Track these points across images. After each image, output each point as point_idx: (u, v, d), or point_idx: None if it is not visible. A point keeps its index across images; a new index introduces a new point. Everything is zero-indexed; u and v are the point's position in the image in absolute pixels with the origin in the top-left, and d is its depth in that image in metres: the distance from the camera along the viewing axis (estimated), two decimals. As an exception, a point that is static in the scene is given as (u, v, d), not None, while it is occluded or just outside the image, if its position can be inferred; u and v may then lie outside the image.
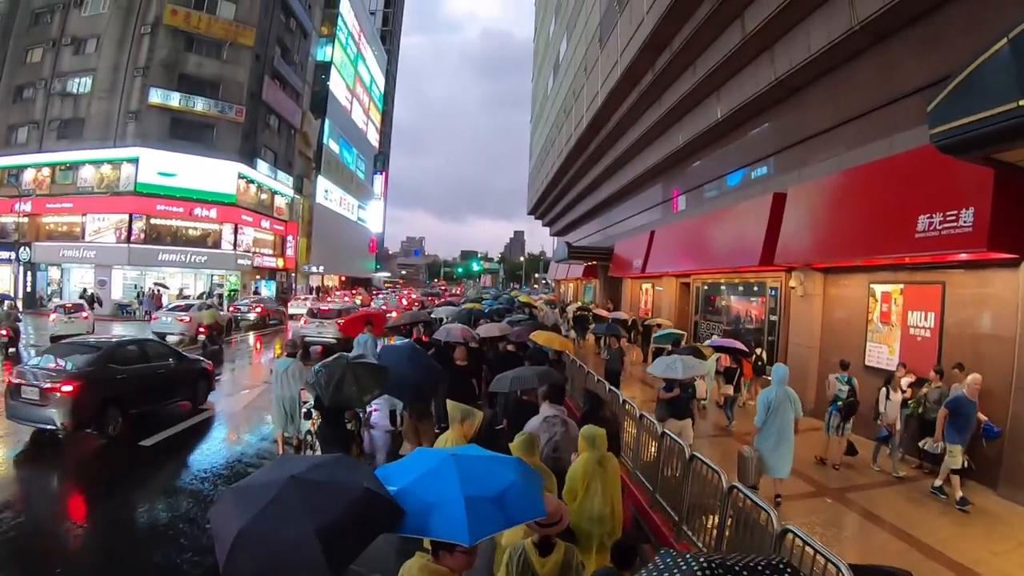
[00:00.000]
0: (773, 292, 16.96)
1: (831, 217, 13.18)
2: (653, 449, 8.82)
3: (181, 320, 24.00)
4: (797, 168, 15.70)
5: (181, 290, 40.41)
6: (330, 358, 8.58)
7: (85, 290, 36.47)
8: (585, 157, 34.84)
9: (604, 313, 26.36)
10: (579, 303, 36.39)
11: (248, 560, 2.73)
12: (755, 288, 18.15)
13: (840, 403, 10.67)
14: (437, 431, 9.00)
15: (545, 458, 5.89)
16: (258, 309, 34.49)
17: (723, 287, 20.35)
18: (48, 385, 10.28)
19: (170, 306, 27.08)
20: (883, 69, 12.53)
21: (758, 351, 15.97)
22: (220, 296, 39.99)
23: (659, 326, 20.89)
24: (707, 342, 16.65)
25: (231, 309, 34.07)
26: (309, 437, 10.01)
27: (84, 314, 24.58)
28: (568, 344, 14.53)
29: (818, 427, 11.54)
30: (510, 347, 13.58)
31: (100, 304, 34.57)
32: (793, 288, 15.20)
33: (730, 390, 13.89)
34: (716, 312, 20.88)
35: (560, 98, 42.80)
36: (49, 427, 10.34)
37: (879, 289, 12.85)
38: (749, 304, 18.63)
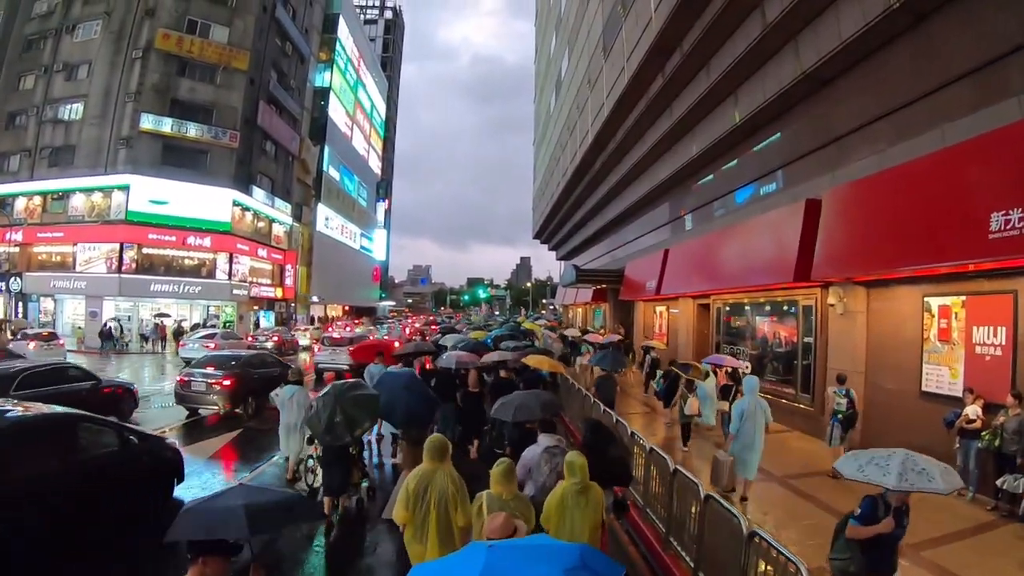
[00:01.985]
0: (807, 311, 15.21)
1: (877, 222, 11.50)
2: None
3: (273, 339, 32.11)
4: (829, 171, 14.13)
5: (179, 322, 38.88)
6: (324, 390, 8.85)
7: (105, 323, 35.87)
8: (591, 175, 33.41)
9: (598, 338, 25.68)
10: (577, 328, 36.02)
11: (188, 521, 4.09)
12: (785, 307, 16.39)
13: (840, 416, 11.31)
14: None
15: (548, 488, 5.91)
16: (275, 338, 34.63)
17: (747, 307, 18.59)
18: (212, 381, 15.65)
19: (198, 335, 30.53)
20: (926, 53, 11.10)
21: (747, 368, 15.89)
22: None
23: (652, 348, 21.88)
24: (703, 361, 15.70)
25: (250, 338, 34.24)
26: (311, 462, 10.27)
27: (60, 341, 27.11)
28: (558, 366, 15.20)
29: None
30: (503, 373, 13.67)
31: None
32: (832, 305, 13.55)
33: (726, 406, 13.00)
34: (739, 335, 19.10)
35: (563, 116, 41.60)
36: (212, 408, 15.74)
37: (935, 302, 11.22)
38: (778, 325, 16.86)
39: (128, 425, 10.05)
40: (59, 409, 8.15)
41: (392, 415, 9.59)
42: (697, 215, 22.81)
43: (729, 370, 14.72)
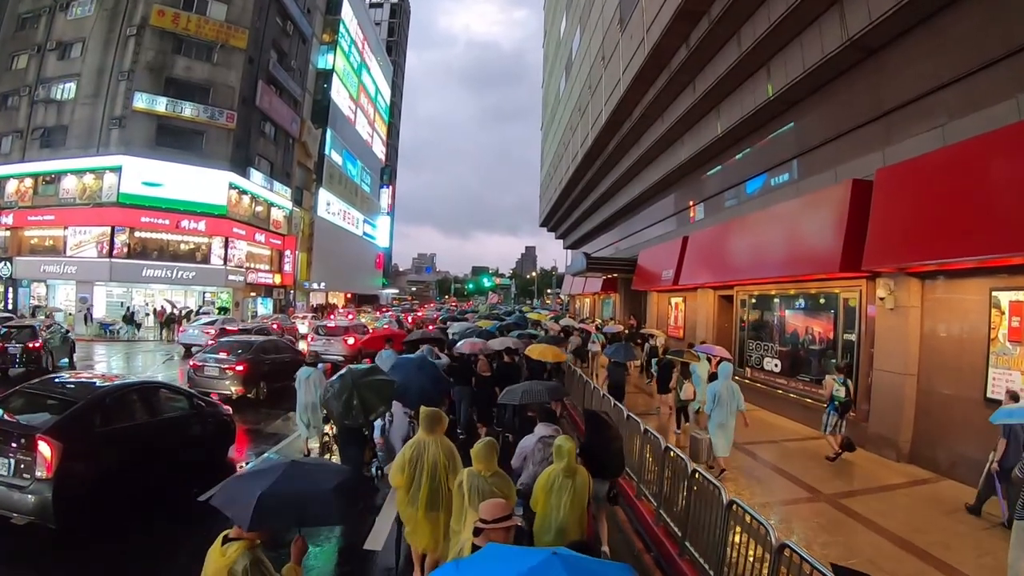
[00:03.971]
0: (848, 304, 13.67)
1: (940, 204, 9.97)
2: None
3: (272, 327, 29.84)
4: (880, 147, 12.61)
5: (175, 307, 37.31)
6: (338, 373, 9.31)
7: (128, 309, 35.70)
8: (603, 159, 31.81)
9: (583, 327, 26.65)
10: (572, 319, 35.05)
11: (223, 489, 4.37)
12: (821, 300, 14.85)
13: (837, 403, 11.54)
14: (461, 435, 11.98)
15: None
16: (274, 326, 33.14)
17: (776, 300, 17.01)
18: (226, 366, 15.83)
19: (201, 321, 30.00)
20: (997, 14, 9.70)
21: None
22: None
23: (652, 336, 21.96)
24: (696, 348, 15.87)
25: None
26: (327, 439, 11.35)
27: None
28: (561, 355, 15.35)
29: (919, 478, 10.54)
30: (506, 359, 14.58)
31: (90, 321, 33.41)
32: (882, 299, 12.01)
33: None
34: (766, 329, 17.55)
35: (574, 98, 39.98)
36: (225, 393, 15.20)
37: (1006, 297, 9.75)
38: (811, 319, 15.31)
39: (196, 392, 11.18)
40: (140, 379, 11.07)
41: (406, 396, 9.70)
42: (718, 201, 21.35)
43: (719, 360, 14.16)
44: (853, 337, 13.37)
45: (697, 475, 7.09)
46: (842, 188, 12.65)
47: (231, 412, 11.23)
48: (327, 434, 11.38)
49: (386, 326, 32.12)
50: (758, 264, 16.18)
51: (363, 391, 8.77)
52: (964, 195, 9.48)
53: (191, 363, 16.64)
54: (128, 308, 36.63)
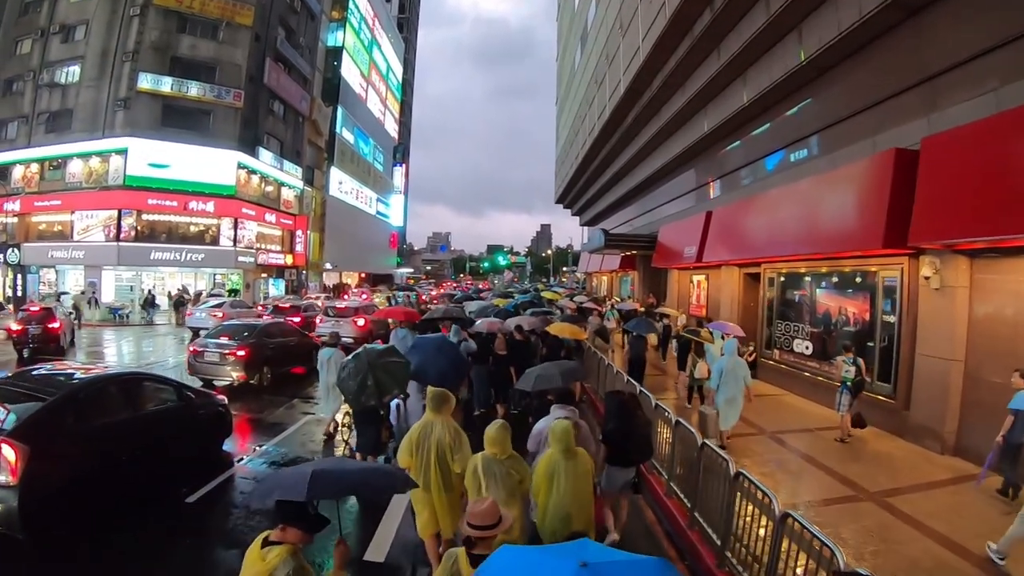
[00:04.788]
0: (888, 284, 12.70)
1: (998, 175, 8.96)
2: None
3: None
4: (924, 114, 11.56)
5: (181, 291, 37.10)
6: (354, 353, 9.33)
7: (83, 292, 34.76)
8: (621, 132, 30.61)
9: (594, 305, 26.59)
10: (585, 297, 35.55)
11: (260, 487, 4.18)
12: (856, 279, 13.87)
13: (849, 383, 11.49)
14: (476, 414, 12.37)
15: None
16: (286, 307, 33.09)
17: (807, 278, 16.04)
18: (226, 351, 15.16)
19: (209, 304, 29.68)
20: None
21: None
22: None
23: (667, 315, 22.61)
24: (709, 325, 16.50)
25: (260, 307, 32.76)
26: (347, 418, 11.30)
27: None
28: (579, 332, 15.68)
29: (965, 474, 9.55)
30: (518, 336, 14.25)
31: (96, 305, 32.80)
32: (927, 279, 11.06)
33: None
34: (796, 309, 16.57)
35: (590, 69, 38.71)
36: (226, 380, 15.10)
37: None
38: (845, 299, 14.33)
39: (185, 383, 10.29)
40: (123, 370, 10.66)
41: (425, 376, 9.45)
42: (743, 175, 20.35)
43: (725, 336, 14.31)
44: (892, 319, 12.40)
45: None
46: (883, 158, 11.66)
47: (226, 402, 10.68)
48: (348, 414, 11.03)
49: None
50: (789, 240, 15.19)
51: (378, 372, 8.82)
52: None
53: (191, 348, 16.05)
54: (148, 291, 36.29)
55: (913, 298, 11.78)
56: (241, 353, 15.18)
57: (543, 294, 35.94)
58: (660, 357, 21.11)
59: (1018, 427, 8.02)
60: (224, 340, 15.56)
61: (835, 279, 14.67)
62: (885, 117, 12.82)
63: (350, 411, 10.33)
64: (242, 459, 10.19)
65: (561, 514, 5.34)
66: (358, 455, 9.37)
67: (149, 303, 34.45)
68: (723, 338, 13.82)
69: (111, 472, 7.64)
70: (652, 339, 20.15)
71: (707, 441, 7.34)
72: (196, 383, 14.83)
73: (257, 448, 10.86)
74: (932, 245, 10.66)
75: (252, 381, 15.42)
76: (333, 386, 10.90)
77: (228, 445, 10.64)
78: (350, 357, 9.29)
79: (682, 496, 7.93)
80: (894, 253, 11.78)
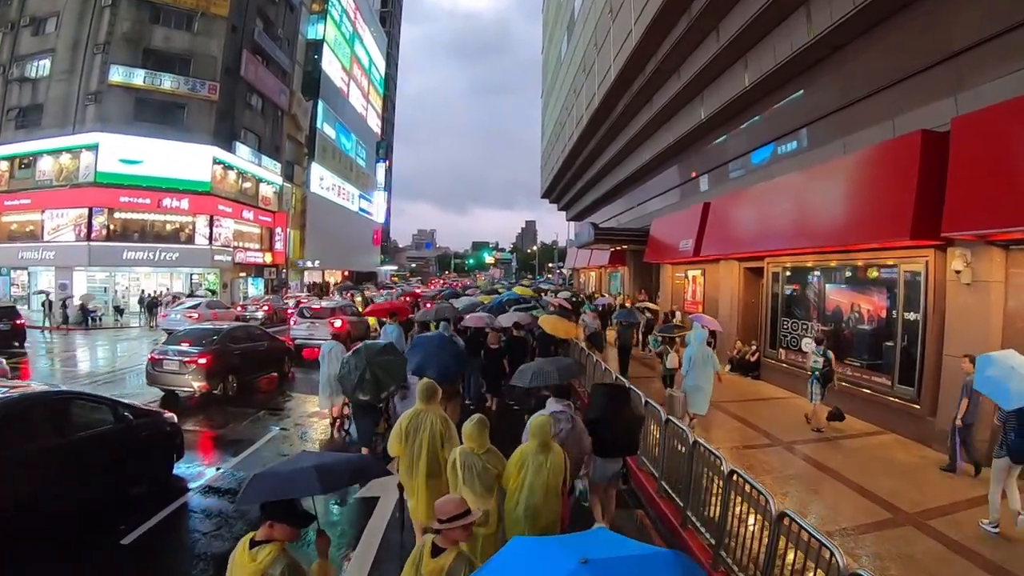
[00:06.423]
0: (911, 278, 11.67)
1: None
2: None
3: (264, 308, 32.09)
4: (950, 93, 10.66)
5: (156, 293, 35.94)
6: (354, 349, 10.18)
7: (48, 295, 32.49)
8: (610, 122, 29.70)
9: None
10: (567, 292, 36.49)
11: (257, 485, 3.91)
12: (872, 273, 12.88)
13: (818, 373, 11.77)
14: (467, 402, 13.21)
15: None
16: (265, 308, 33.21)
17: (815, 273, 14.99)
18: (187, 359, 14.08)
19: (186, 305, 28.91)
20: None
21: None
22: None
23: (647, 309, 23.27)
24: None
25: (239, 308, 33.05)
26: (346, 409, 11.61)
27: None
28: (572, 329, 16.05)
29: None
30: (515, 332, 15.13)
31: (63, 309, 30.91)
32: (957, 273, 10.06)
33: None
34: (803, 306, 15.55)
35: (577, 58, 37.83)
36: (186, 390, 14.09)
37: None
38: (858, 295, 13.31)
39: (124, 401, 9.06)
40: (50, 389, 8.63)
41: (427, 372, 9.36)
42: (740, 165, 19.48)
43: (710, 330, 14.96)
44: (915, 317, 11.39)
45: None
46: (908, 141, 10.66)
47: (175, 420, 9.58)
48: (347, 405, 11.22)
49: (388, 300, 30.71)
50: (798, 232, 14.17)
51: (376, 369, 9.34)
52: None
53: (149, 356, 14.86)
54: (146, 293, 35.39)
55: (940, 294, 10.81)
56: (203, 361, 14.10)
57: (514, 289, 35.49)
58: (642, 350, 21.24)
59: (972, 407, 8.82)
60: (185, 347, 14.57)
61: (848, 273, 13.68)
62: (904, 97, 11.96)
63: (349, 403, 10.79)
64: (197, 485, 8.99)
65: (527, 506, 5.32)
66: (358, 448, 10.03)
67: (151, 305, 32.78)
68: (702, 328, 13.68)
69: (27, 511, 6.59)
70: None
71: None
72: (158, 393, 14.44)
73: (217, 470, 9.66)
74: (966, 236, 9.65)
75: (216, 391, 14.37)
76: (332, 378, 11.20)
77: (183, 469, 9.47)
78: (351, 353, 9.97)
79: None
80: (919, 245, 10.82)
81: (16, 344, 20.59)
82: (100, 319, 31.82)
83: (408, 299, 23.08)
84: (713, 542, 6.47)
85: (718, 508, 6.44)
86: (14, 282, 38.62)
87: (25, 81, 38.08)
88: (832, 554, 4.38)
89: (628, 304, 24.77)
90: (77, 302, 31.25)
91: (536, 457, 5.43)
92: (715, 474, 6.75)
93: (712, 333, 15.57)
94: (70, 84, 36.84)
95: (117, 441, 8.10)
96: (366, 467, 4.61)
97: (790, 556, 5.10)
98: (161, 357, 14.39)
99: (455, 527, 3.81)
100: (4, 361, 14.49)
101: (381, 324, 19.18)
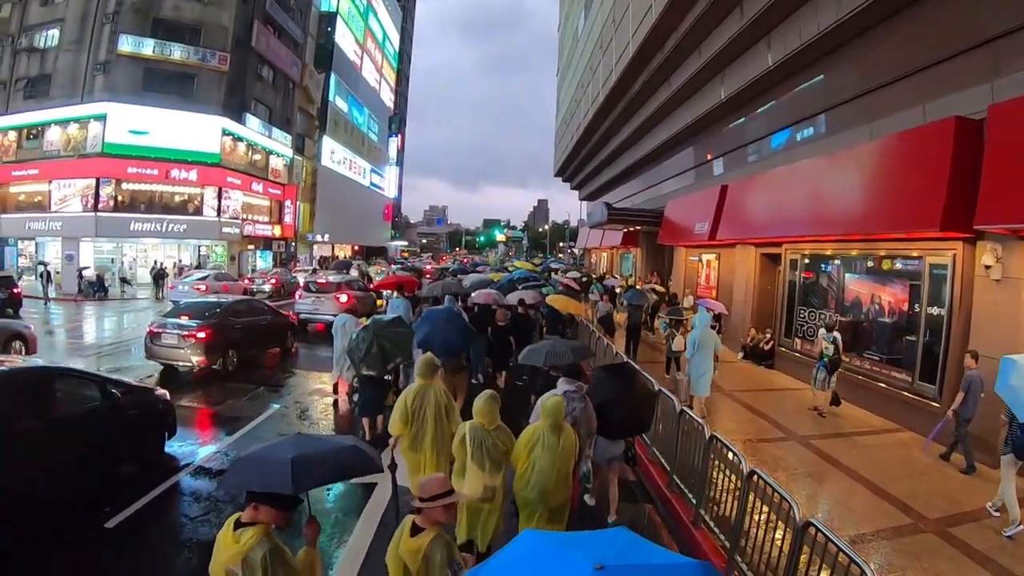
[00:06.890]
0: (936, 271, 11.20)
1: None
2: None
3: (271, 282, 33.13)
4: (986, 79, 10.18)
5: (162, 265, 35.34)
6: (363, 325, 10.55)
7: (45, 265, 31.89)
8: (627, 100, 29.00)
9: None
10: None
11: (237, 471, 3.93)
12: (896, 265, 12.43)
13: (827, 359, 11.89)
14: (474, 382, 12.95)
15: None
16: (273, 281, 33.91)
17: (835, 261, 14.55)
18: (185, 333, 13.74)
19: (194, 277, 29.10)
20: None
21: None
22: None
23: (653, 290, 23.47)
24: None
25: (247, 280, 33.31)
26: (356, 382, 11.29)
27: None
28: (580, 307, 16.58)
29: None
30: (520, 310, 14.89)
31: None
32: (987, 268, 9.59)
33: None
34: (820, 295, 15.13)
35: (595, 34, 37.00)
36: (185, 364, 13.83)
37: None
38: (879, 287, 12.87)
39: (112, 378, 8.87)
40: (33, 364, 8.33)
41: (431, 346, 9.46)
42: (760, 148, 18.95)
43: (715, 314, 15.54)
44: (939, 311, 10.94)
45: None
46: (941, 128, 10.14)
47: (168, 396, 9.24)
48: (357, 377, 11.02)
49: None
50: (819, 219, 13.69)
51: (383, 340, 9.52)
52: None
53: (149, 328, 14.45)
54: (158, 263, 34.67)
55: (967, 289, 10.36)
56: (202, 335, 13.77)
57: (515, 263, 35.39)
58: (647, 329, 20.98)
59: (969, 403, 8.80)
60: (184, 320, 14.21)
61: (869, 263, 13.22)
62: (935, 83, 11.42)
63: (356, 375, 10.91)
64: (190, 463, 8.72)
65: (539, 487, 5.38)
66: (365, 420, 10.00)
67: (158, 276, 32.19)
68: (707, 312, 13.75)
69: (8, 497, 6.26)
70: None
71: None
72: (156, 367, 14.40)
73: (201, 449, 9.49)
74: (999, 230, 9.18)
75: (215, 366, 14.09)
76: (345, 351, 11.17)
77: (175, 447, 9.17)
78: (361, 328, 10.21)
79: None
80: (947, 237, 10.34)
81: (11, 313, 20.29)
82: (107, 291, 31.61)
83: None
84: (728, 545, 6.21)
85: (734, 508, 6.19)
86: (22, 252, 38.47)
87: (33, 51, 37.62)
88: (864, 573, 4.11)
89: (639, 286, 24.71)
90: (93, 274, 30.99)
91: (548, 438, 5.45)
92: (733, 472, 6.66)
93: (717, 316, 15.93)
94: (78, 54, 36.40)
95: (103, 420, 7.78)
96: (353, 464, 4.25)
97: (813, 569, 4.82)
98: (160, 330, 14.07)
99: (436, 506, 3.78)
100: (32, 327, 15.40)
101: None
